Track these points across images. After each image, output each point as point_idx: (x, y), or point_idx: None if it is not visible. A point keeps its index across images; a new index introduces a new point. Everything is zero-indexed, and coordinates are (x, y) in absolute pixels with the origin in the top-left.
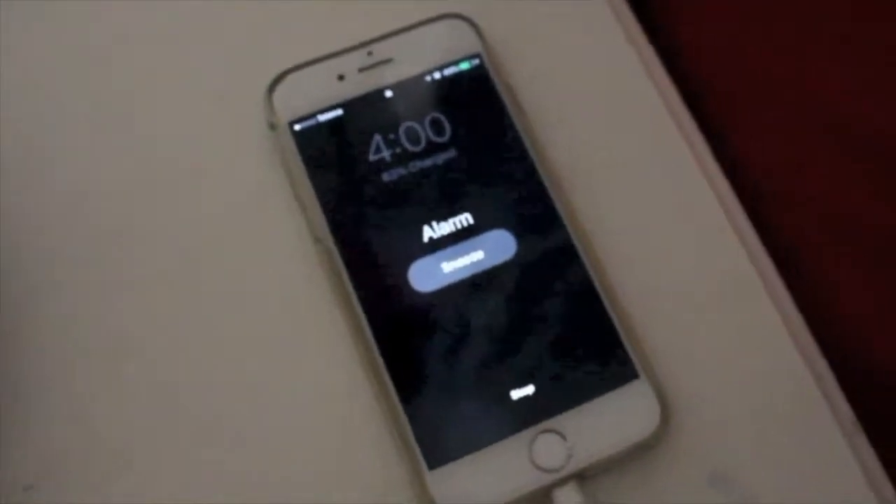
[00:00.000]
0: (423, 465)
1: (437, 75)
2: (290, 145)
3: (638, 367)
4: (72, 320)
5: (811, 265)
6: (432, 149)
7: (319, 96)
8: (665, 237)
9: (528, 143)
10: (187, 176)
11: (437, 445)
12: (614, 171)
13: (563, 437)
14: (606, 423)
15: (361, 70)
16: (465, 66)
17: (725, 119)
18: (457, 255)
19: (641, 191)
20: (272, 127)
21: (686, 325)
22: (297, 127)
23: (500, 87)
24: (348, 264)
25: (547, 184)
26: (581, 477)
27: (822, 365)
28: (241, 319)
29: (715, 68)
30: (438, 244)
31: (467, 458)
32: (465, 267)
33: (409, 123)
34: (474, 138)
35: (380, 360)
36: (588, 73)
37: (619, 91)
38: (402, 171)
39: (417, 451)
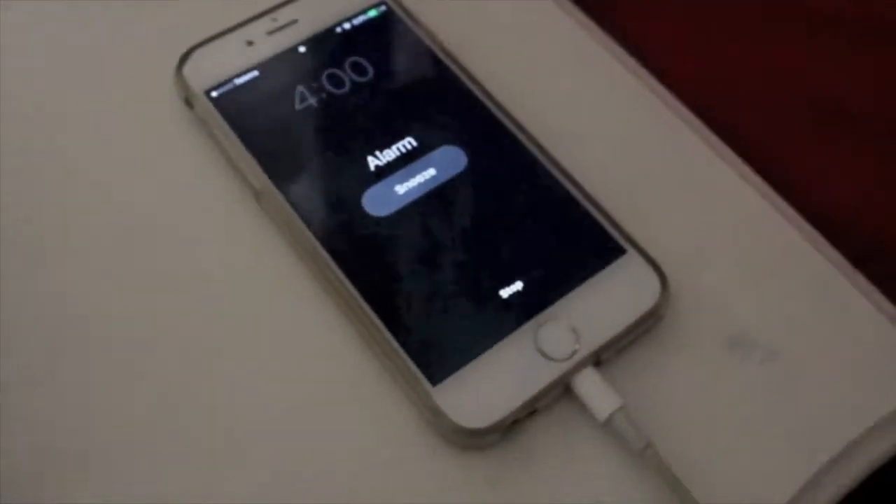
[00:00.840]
0: (426, 382)
1: (346, 25)
2: (212, 112)
3: (623, 242)
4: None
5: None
6: (359, 87)
7: (231, 64)
8: (608, 123)
9: (451, 64)
10: (115, 170)
11: (436, 360)
12: (535, 78)
13: (567, 323)
14: (607, 301)
15: (270, 33)
16: (372, 13)
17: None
18: (408, 177)
19: (573, 88)
20: (188, 103)
21: (654, 199)
22: (214, 94)
23: (411, 23)
24: (301, 209)
25: (479, 94)
26: (597, 362)
27: (795, 216)
28: (207, 294)
29: None
30: (386, 170)
31: (471, 366)
32: (420, 185)
33: (329, 70)
34: (398, 70)
35: (356, 293)
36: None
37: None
38: (333, 112)
39: (416, 370)
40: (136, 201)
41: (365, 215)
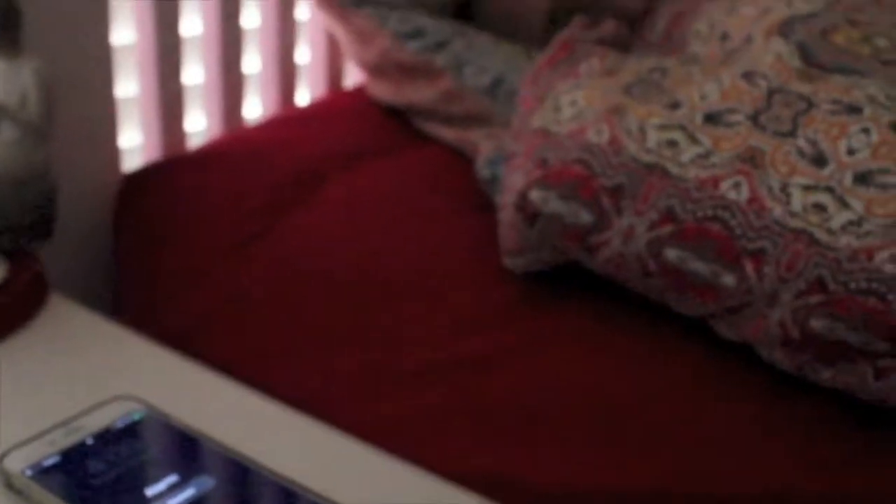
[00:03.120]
0: None
1: (119, 423)
2: (29, 484)
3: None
4: None
5: None
6: (134, 454)
7: (40, 453)
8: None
9: (191, 432)
10: None
11: None
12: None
13: None
14: None
15: (66, 435)
16: (137, 416)
17: None
18: (175, 496)
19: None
20: (9, 484)
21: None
22: (28, 472)
23: (164, 418)
24: None
25: (213, 445)
26: None
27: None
28: None
29: None
30: (162, 495)
31: None
32: (185, 499)
33: (112, 448)
34: (158, 438)
35: None
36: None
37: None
38: (118, 469)
39: None
40: None
41: None
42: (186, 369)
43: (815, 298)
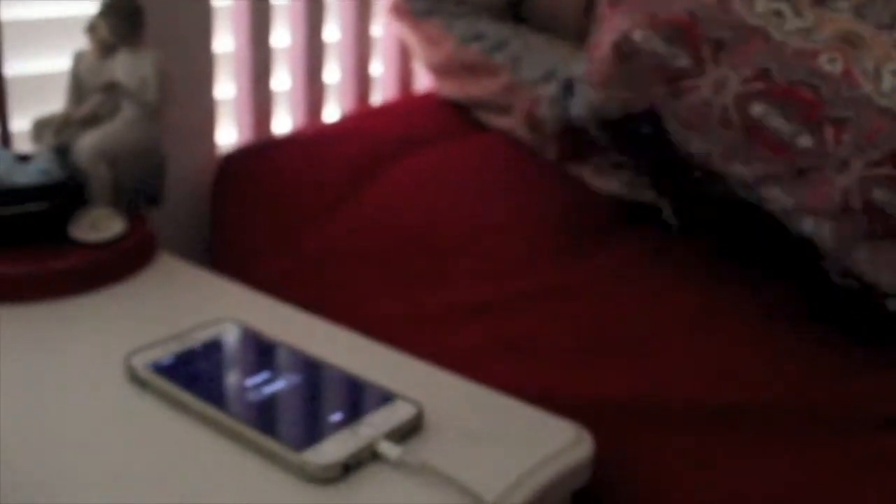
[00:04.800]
0: (295, 452)
1: (221, 337)
2: (150, 375)
3: (389, 395)
4: None
5: None
6: (233, 358)
7: (157, 355)
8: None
9: (274, 341)
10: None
11: (300, 444)
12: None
13: (370, 423)
14: (390, 416)
15: (179, 344)
16: (236, 332)
17: None
18: (269, 384)
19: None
20: (135, 377)
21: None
22: (149, 367)
23: (259, 333)
24: (213, 402)
25: (298, 352)
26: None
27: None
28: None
29: None
30: (258, 385)
31: (318, 444)
32: (277, 389)
33: (216, 353)
34: (253, 347)
35: (255, 431)
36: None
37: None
38: (221, 368)
39: (291, 451)
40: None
41: (252, 403)
42: (276, 306)
43: (884, 170)
